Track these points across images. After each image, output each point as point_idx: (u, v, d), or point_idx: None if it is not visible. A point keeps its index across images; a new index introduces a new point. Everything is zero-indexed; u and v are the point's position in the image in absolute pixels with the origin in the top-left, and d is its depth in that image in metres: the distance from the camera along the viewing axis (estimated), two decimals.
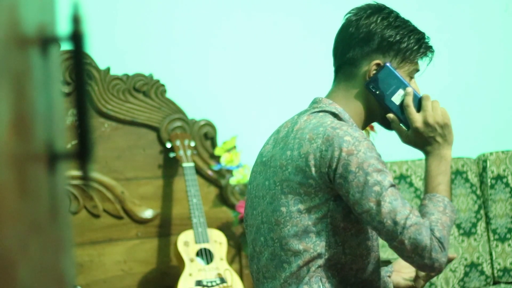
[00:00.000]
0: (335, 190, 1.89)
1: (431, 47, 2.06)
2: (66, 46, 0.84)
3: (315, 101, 2.06)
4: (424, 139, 2.00)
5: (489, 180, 3.87)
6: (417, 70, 2.06)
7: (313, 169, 1.89)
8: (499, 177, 3.90)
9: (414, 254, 1.86)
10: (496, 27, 4.24)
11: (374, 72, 2.00)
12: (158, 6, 3.65)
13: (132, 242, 3.52)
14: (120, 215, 3.49)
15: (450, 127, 2.00)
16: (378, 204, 1.85)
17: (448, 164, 2.00)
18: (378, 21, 2.01)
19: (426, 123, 1.99)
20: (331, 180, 1.89)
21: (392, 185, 1.87)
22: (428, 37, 2.06)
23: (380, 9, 2.04)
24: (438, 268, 1.88)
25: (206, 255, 3.36)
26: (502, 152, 3.95)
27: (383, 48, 2.00)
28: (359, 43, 2.01)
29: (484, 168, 3.90)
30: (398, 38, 2.01)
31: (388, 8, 2.06)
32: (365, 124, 2.06)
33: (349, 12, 2.06)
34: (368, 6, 2.05)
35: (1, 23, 0.73)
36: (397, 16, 2.04)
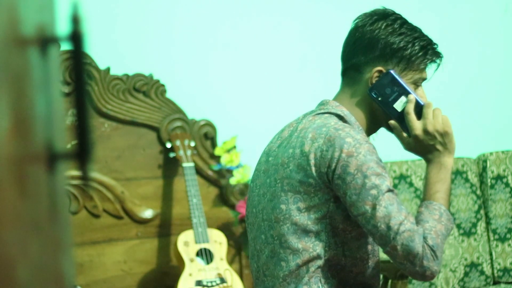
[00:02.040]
0: (334, 191, 1.89)
1: (438, 53, 2.04)
2: (66, 46, 0.84)
3: (322, 103, 2.06)
4: (424, 146, 2.00)
5: (489, 180, 3.87)
6: (424, 79, 2.05)
7: (313, 168, 1.89)
8: (499, 177, 3.90)
9: (406, 260, 1.85)
10: (496, 27, 4.24)
11: (377, 78, 2.00)
12: (158, 6, 3.65)
13: (132, 242, 3.52)
14: (120, 215, 3.49)
15: (450, 135, 1.99)
16: (374, 207, 1.85)
17: (448, 172, 1.99)
18: (383, 27, 2.00)
19: (425, 131, 1.99)
20: (329, 181, 1.88)
21: (390, 190, 1.87)
22: (435, 43, 2.04)
23: (386, 16, 2.03)
24: (429, 277, 1.87)
25: (206, 255, 3.36)
26: (502, 152, 3.95)
27: (386, 55, 2.00)
28: (363, 49, 2.01)
29: (484, 168, 3.90)
30: (401, 45, 2.00)
31: (395, 14, 2.04)
32: (371, 129, 2.05)
33: (357, 18, 2.05)
34: (375, 12, 2.04)
35: (1, 23, 0.73)
36: (403, 23, 2.02)
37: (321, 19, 3.88)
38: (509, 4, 4.26)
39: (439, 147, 1.99)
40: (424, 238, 1.85)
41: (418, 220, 1.90)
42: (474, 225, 3.83)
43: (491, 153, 3.92)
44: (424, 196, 1.98)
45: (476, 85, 4.20)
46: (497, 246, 3.85)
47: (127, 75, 3.52)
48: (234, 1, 3.78)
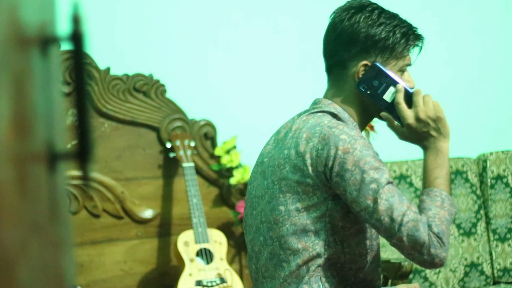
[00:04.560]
0: (332, 189, 1.89)
1: (419, 35, 2.03)
2: (66, 46, 0.84)
3: (315, 102, 2.06)
4: (418, 134, 1.99)
5: (489, 180, 3.87)
6: (408, 64, 2.04)
7: (310, 168, 1.89)
8: (499, 177, 3.90)
9: (414, 250, 1.85)
10: (496, 27, 4.24)
11: (363, 72, 1.99)
12: (158, 6, 3.65)
13: (132, 242, 3.52)
14: (120, 215, 3.49)
15: (443, 120, 1.98)
16: (375, 201, 1.84)
17: (446, 157, 1.98)
18: (361, 20, 1.99)
19: (418, 119, 1.98)
20: (328, 179, 1.88)
21: (389, 182, 1.87)
22: (415, 27, 2.03)
23: (362, 8, 2.01)
24: (439, 264, 1.86)
25: (206, 255, 3.36)
26: (502, 152, 3.95)
27: (368, 48, 1.99)
28: (345, 45, 2.00)
29: (484, 168, 3.90)
30: (383, 35, 1.99)
31: (371, 4, 2.02)
32: (364, 123, 2.06)
33: (333, 13, 2.05)
34: (351, 6, 2.02)
35: (1, 23, 0.73)
36: (380, 12, 2.01)
37: (320, 19, 3.87)
38: (509, 4, 4.26)
39: (433, 133, 1.98)
40: (429, 226, 1.85)
41: (420, 209, 1.89)
42: (474, 225, 3.83)
43: (491, 153, 3.92)
44: (424, 184, 1.98)
45: (476, 85, 4.20)
46: (497, 246, 3.85)
47: (127, 75, 3.52)
48: (234, 1, 3.78)
